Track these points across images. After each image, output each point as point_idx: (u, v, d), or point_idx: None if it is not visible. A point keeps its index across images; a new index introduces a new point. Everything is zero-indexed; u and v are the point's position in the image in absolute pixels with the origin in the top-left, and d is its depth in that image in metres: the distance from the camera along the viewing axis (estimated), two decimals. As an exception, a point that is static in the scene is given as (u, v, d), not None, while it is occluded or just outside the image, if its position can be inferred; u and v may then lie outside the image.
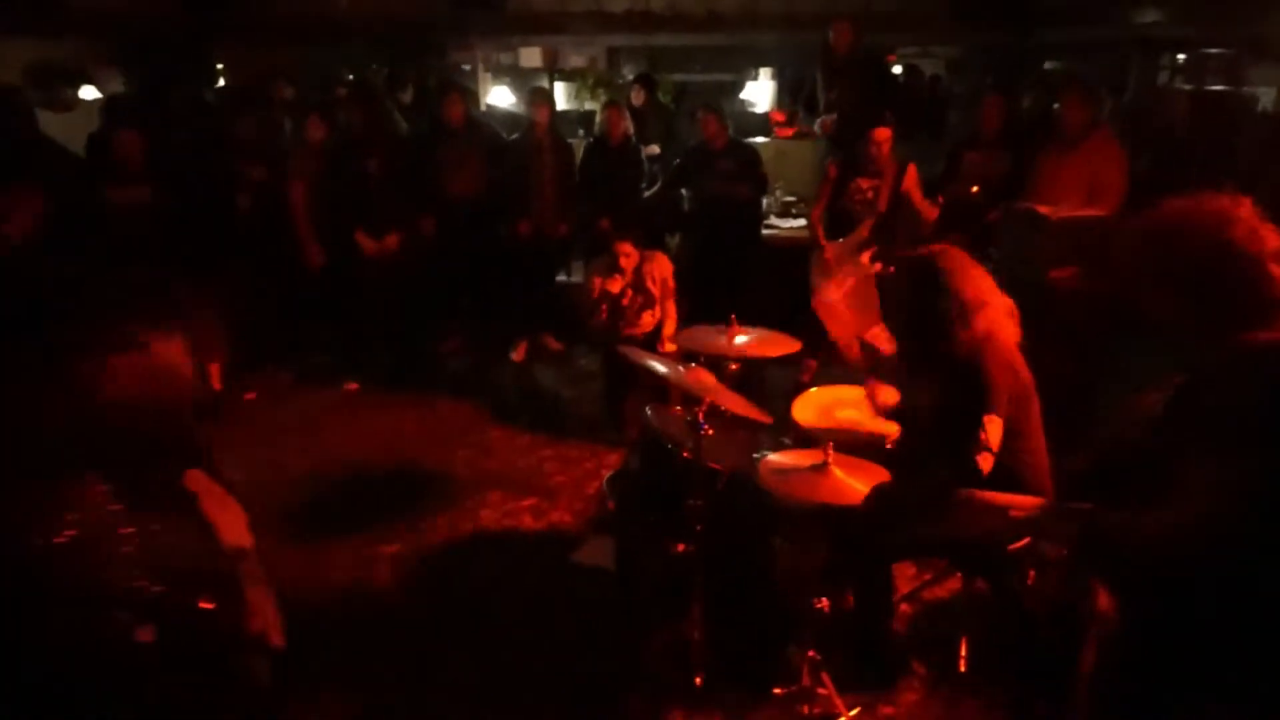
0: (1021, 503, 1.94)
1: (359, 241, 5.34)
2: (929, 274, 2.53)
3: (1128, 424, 1.73)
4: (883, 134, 4.68)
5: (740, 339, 3.25)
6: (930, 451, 2.64)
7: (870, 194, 4.67)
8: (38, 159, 4.89)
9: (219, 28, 8.24)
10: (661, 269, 4.55)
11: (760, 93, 8.75)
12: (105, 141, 5.09)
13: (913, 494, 2.49)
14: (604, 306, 4.43)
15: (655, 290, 4.53)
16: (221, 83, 8.48)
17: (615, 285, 4.37)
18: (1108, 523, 1.65)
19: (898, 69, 8.94)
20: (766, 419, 2.85)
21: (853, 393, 3.38)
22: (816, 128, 6.60)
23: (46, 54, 7.43)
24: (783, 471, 2.60)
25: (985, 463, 2.36)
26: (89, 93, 7.45)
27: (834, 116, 6.22)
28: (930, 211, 4.60)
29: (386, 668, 3.06)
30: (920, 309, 2.54)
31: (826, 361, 4.92)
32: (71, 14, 7.45)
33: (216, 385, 4.50)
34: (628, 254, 4.35)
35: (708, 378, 2.77)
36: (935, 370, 2.64)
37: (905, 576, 3.33)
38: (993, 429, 2.36)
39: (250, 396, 5.23)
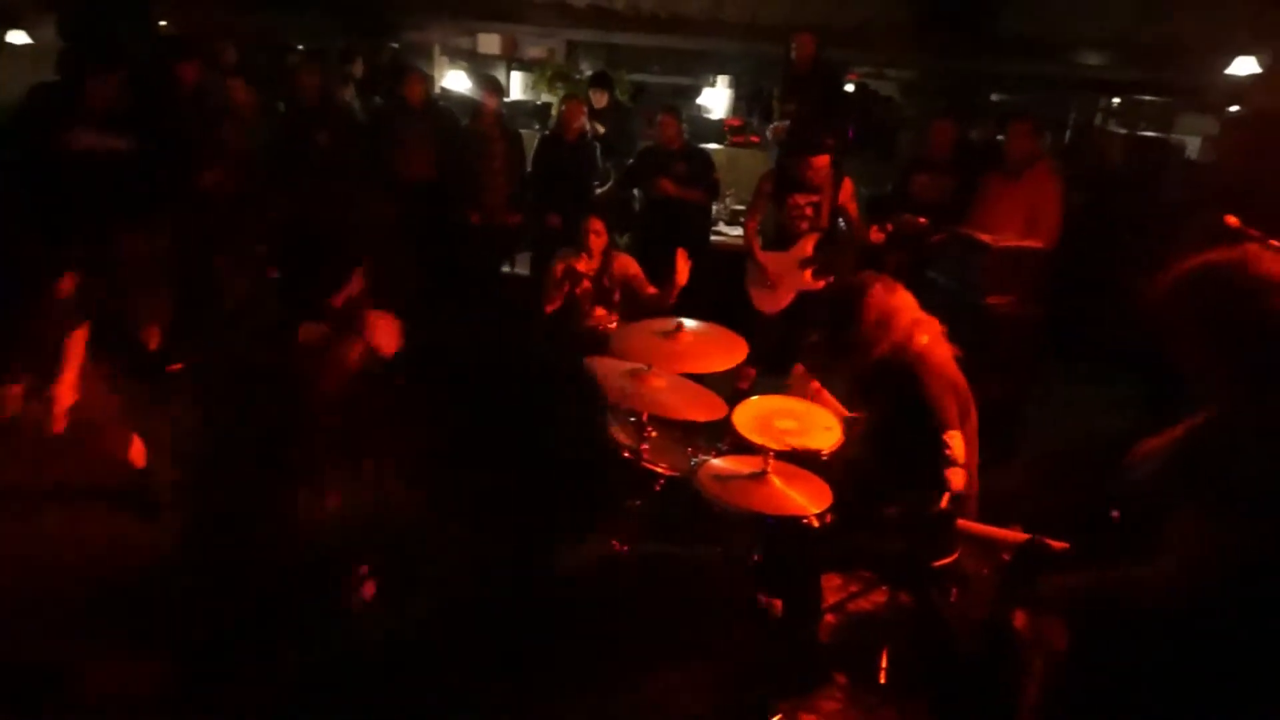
0: (1010, 539, 1.99)
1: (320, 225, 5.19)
2: (847, 298, 2.68)
3: (1125, 469, 1.73)
4: (820, 161, 4.64)
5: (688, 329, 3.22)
6: (877, 469, 2.68)
7: (809, 210, 4.71)
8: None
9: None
10: (624, 266, 4.54)
11: (717, 99, 8.79)
12: (70, 87, 4.71)
13: (897, 515, 2.54)
14: (566, 286, 4.37)
15: (610, 285, 4.51)
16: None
17: (584, 265, 4.32)
18: (1079, 579, 1.68)
19: (850, 87, 9.09)
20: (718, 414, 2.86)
21: (792, 403, 3.42)
22: (768, 133, 6.67)
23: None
24: (722, 478, 2.62)
25: (956, 478, 2.41)
26: (17, 37, 7.11)
27: (787, 123, 6.28)
28: (875, 234, 4.65)
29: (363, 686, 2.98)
30: (841, 331, 2.68)
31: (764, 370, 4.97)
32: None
33: (152, 346, 4.32)
34: (598, 232, 4.33)
35: (659, 382, 2.76)
36: (872, 388, 2.70)
37: (831, 587, 3.38)
38: (955, 443, 2.42)
39: (176, 368, 5.05)
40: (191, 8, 8.22)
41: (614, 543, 2.94)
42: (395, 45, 8.16)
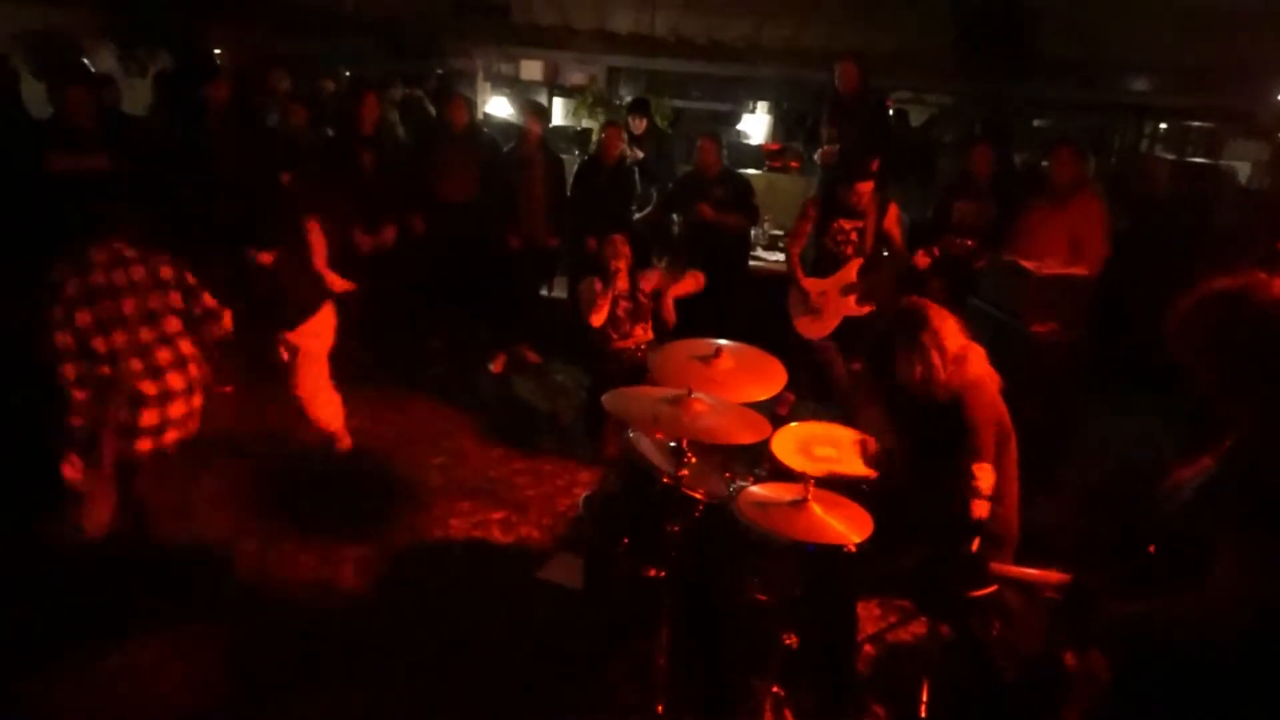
0: (1049, 580, 1.97)
1: (355, 240, 5.29)
2: (913, 322, 2.67)
3: (1158, 500, 1.73)
4: (865, 187, 4.70)
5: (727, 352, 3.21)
6: (911, 495, 2.67)
7: (854, 235, 4.71)
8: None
9: (219, 9, 8.21)
10: (650, 282, 4.57)
11: (756, 125, 8.84)
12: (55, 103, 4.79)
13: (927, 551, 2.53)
14: (611, 296, 4.44)
15: (646, 302, 4.54)
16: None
17: (622, 282, 4.38)
18: (1125, 611, 1.66)
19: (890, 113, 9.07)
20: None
21: (832, 430, 3.40)
22: (816, 158, 6.63)
23: (40, 22, 7.36)
24: (762, 505, 2.60)
25: (981, 509, 2.40)
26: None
27: (836, 148, 6.26)
28: (921, 259, 4.64)
29: (343, 671, 3.02)
30: (903, 354, 2.67)
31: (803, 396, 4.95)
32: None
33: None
34: (621, 252, 4.42)
35: (700, 406, 2.76)
36: (916, 414, 2.69)
37: (871, 617, 3.34)
38: (983, 476, 2.41)
39: (228, 390, 5.13)
40: (245, 34, 8.48)
41: (650, 569, 2.93)
42: (440, 71, 8.31)
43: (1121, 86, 8.01)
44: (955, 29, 7.52)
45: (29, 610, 3.16)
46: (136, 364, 3.17)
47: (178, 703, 2.83)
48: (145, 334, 3.21)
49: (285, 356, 4.16)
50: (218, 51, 8.54)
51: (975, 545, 2.43)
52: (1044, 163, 5.70)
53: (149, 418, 3.19)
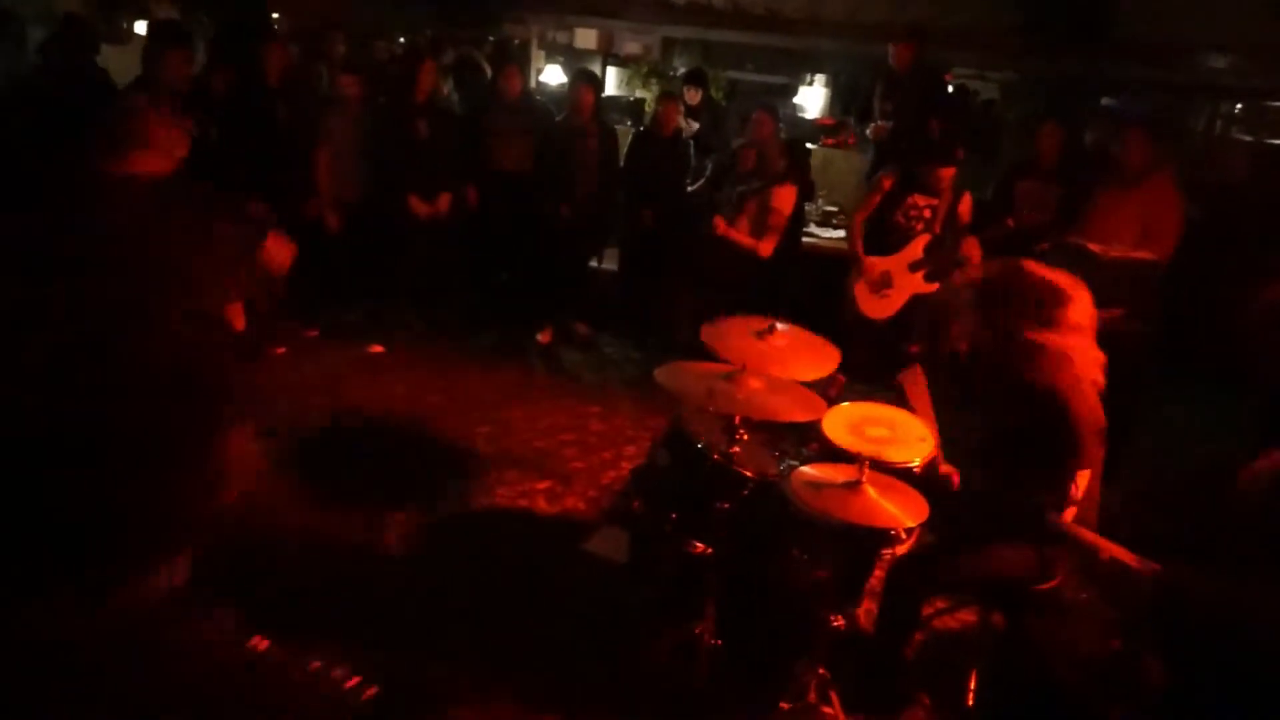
0: (1112, 549, 1.90)
1: (411, 205, 5.30)
2: (1019, 281, 2.40)
3: (1237, 494, 1.66)
4: (947, 172, 4.56)
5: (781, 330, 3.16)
6: (980, 488, 2.57)
7: (928, 212, 4.58)
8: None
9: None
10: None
11: (812, 99, 8.67)
12: (149, 64, 4.82)
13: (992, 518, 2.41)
14: None
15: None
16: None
17: None
18: (1202, 592, 1.60)
19: (949, 89, 8.83)
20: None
21: (885, 411, 3.33)
22: (868, 133, 6.50)
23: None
24: (815, 485, 2.55)
25: (1070, 514, 2.30)
26: (144, 28, 7.47)
27: (889, 124, 6.13)
28: (974, 251, 4.49)
29: (385, 635, 3.04)
30: (1004, 321, 2.39)
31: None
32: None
33: (239, 325, 4.46)
34: None
35: (755, 383, 2.71)
36: (1001, 402, 2.55)
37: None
38: (1082, 482, 2.30)
39: (280, 351, 5.20)
40: (305, 4, 8.52)
41: (696, 546, 2.91)
42: (494, 39, 8.28)
43: (1196, 65, 7.69)
44: (1025, 7, 7.27)
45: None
46: None
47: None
48: None
49: None
50: (275, 16, 8.61)
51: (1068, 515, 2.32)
52: (1114, 144, 5.50)
53: None
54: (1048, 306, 2.36)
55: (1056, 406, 2.36)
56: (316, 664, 1.24)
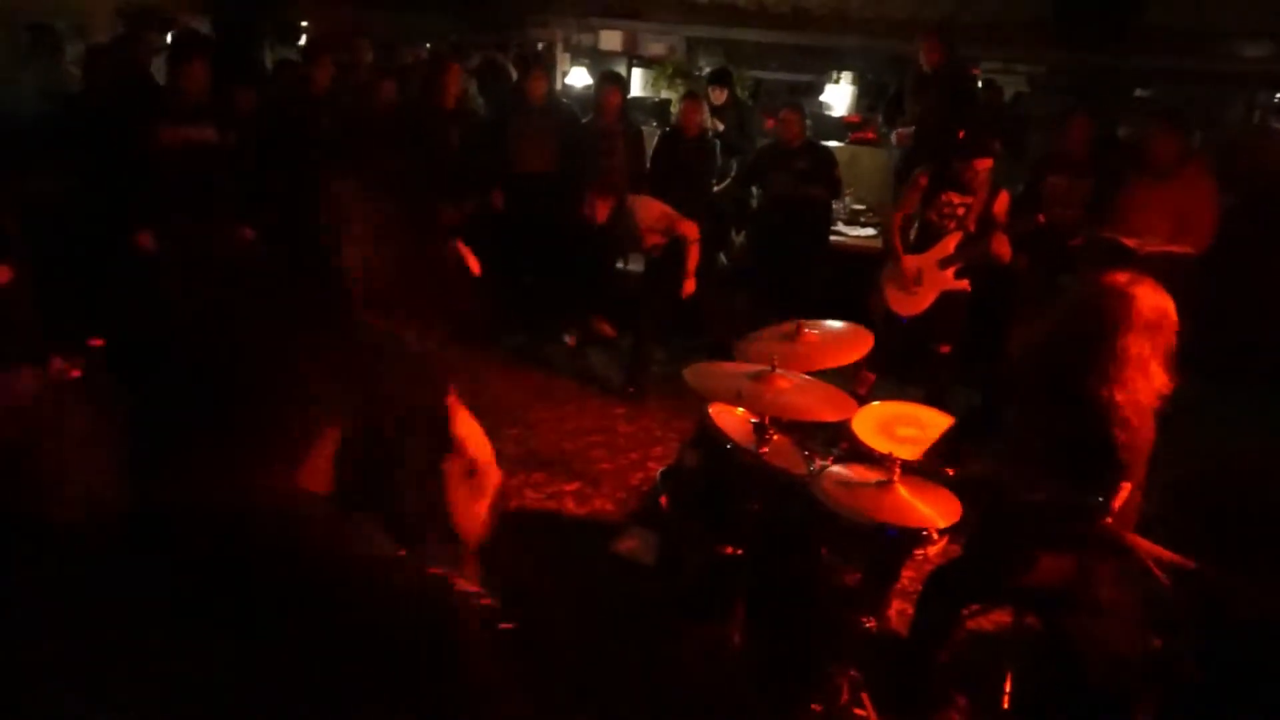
0: (1163, 555, 1.86)
1: (441, 215, 5.33)
2: (1123, 308, 2.31)
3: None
4: (984, 164, 4.46)
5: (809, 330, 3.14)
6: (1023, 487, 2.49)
7: (961, 209, 4.52)
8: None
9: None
10: None
11: (839, 96, 8.61)
12: (170, 75, 4.89)
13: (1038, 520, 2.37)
14: None
15: None
16: (303, 40, 8.58)
17: None
18: (1246, 596, 1.57)
19: (979, 84, 8.74)
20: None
21: (916, 410, 3.30)
22: (892, 139, 6.47)
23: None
24: (846, 484, 2.54)
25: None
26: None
27: (911, 130, 6.08)
28: (1003, 249, 4.41)
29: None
30: (1090, 339, 2.33)
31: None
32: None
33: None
34: None
35: (784, 383, 2.70)
36: (1061, 407, 2.49)
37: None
38: (1124, 495, 2.26)
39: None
40: (329, 8, 8.62)
41: (726, 548, 2.90)
42: (519, 43, 8.31)
43: (1231, 54, 7.54)
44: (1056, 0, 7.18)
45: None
46: None
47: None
48: None
49: None
50: (304, 24, 8.72)
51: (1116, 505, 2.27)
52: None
53: None
54: (1154, 331, 2.31)
55: (1115, 425, 2.29)
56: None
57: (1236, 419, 4.93)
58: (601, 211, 5.15)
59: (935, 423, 3.16)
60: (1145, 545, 1.99)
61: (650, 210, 5.09)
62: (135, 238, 4.53)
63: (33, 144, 4.73)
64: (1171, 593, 1.81)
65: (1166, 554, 1.92)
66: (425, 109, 5.50)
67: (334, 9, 8.62)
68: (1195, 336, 4.43)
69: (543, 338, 5.93)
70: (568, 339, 5.93)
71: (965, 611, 3.22)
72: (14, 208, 4.17)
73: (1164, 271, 4.17)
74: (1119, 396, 2.28)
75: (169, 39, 7.41)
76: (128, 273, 4.80)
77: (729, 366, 2.89)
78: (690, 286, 5.08)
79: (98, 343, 4.78)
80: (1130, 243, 4.29)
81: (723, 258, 6.44)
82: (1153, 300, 2.34)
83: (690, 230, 5.05)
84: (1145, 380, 2.31)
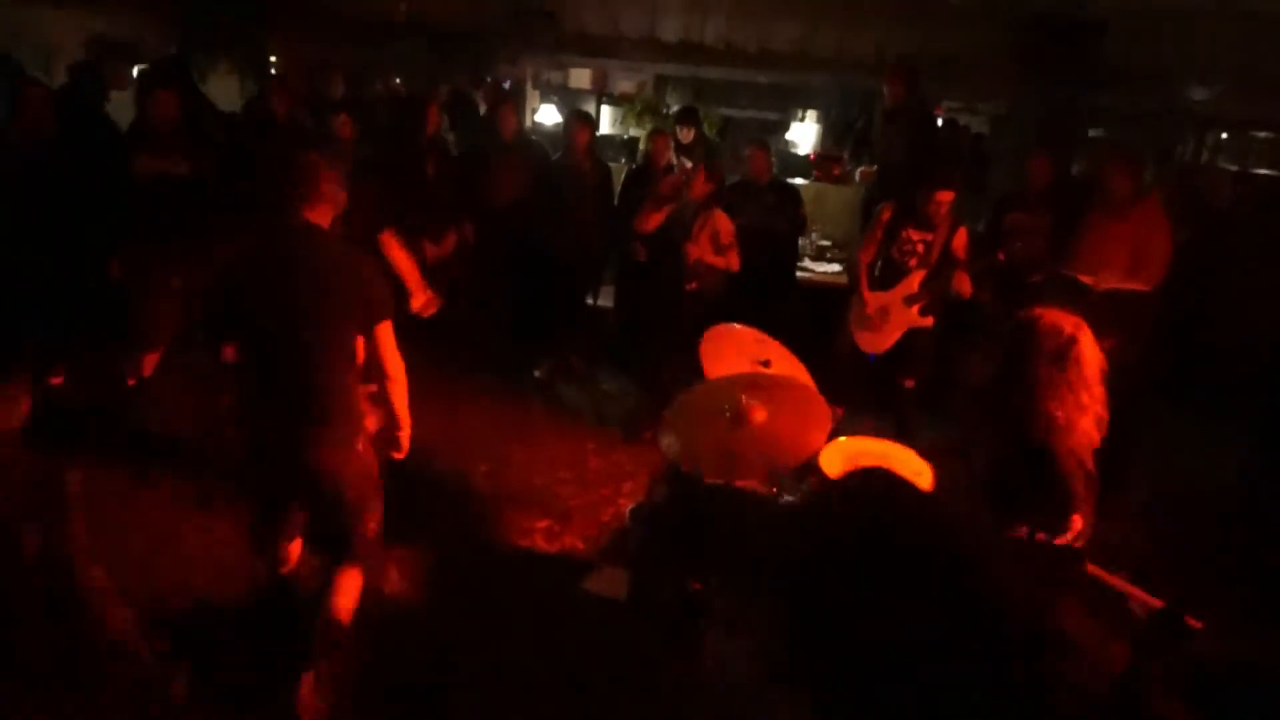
0: (1140, 596, 1.88)
1: (424, 248, 5.33)
2: (1063, 346, 2.34)
3: None
4: (945, 196, 4.51)
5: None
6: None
7: (920, 247, 4.60)
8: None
9: (275, 14, 8.36)
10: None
11: (804, 134, 8.77)
12: (139, 107, 4.98)
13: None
14: None
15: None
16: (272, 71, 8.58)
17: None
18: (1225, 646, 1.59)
19: (939, 122, 8.94)
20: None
21: (884, 446, 3.34)
22: (857, 176, 6.59)
23: (105, 28, 7.54)
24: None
25: None
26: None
27: (875, 169, 6.21)
28: (963, 285, 4.49)
29: (384, 672, 3.03)
30: (1025, 372, 2.36)
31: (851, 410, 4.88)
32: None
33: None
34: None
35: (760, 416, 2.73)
36: (1000, 440, 2.54)
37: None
38: (1077, 526, 2.30)
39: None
40: (299, 42, 8.63)
41: (695, 584, 2.91)
42: (489, 79, 8.38)
43: (1183, 95, 7.80)
44: (1014, 36, 7.38)
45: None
46: None
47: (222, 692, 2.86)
48: None
49: None
50: (273, 59, 8.73)
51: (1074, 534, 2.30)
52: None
53: None
54: (1063, 364, 2.36)
55: (1050, 463, 2.31)
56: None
57: (1194, 444, 5.05)
58: (654, 222, 5.29)
59: (902, 458, 3.20)
60: (1115, 582, 2.02)
61: (726, 223, 5.16)
62: (106, 266, 4.51)
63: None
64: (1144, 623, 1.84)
65: (1135, 591, 1.95)
66: (404, 142, 5.51)
67: (304, 42, 8.64)
68: (1154, 366, 4.57)
69: (514, 372, 5.92)
70: (538, 373, 5.92)
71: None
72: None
73: (1120, 307, 4.33)
74: (1056, 422, 2.31)
75: (135, 72, 7.40)
76: (94, 301, 4.76)
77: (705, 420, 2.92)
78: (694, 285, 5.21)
79: (57, 381, 4.72)
80: (1086, 279, 4.39)
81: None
82: (1053, 329, 2.37)
83: (733, 264, 5.16)
84: (1078, 410, 2.34)
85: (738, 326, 3.56)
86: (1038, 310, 2.46)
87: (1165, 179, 7.70)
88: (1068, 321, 2.39)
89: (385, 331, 2.76)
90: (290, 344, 2.66)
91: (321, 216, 2.76)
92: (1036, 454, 2.33)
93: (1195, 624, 1.70)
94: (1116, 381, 4.26)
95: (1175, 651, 1.67)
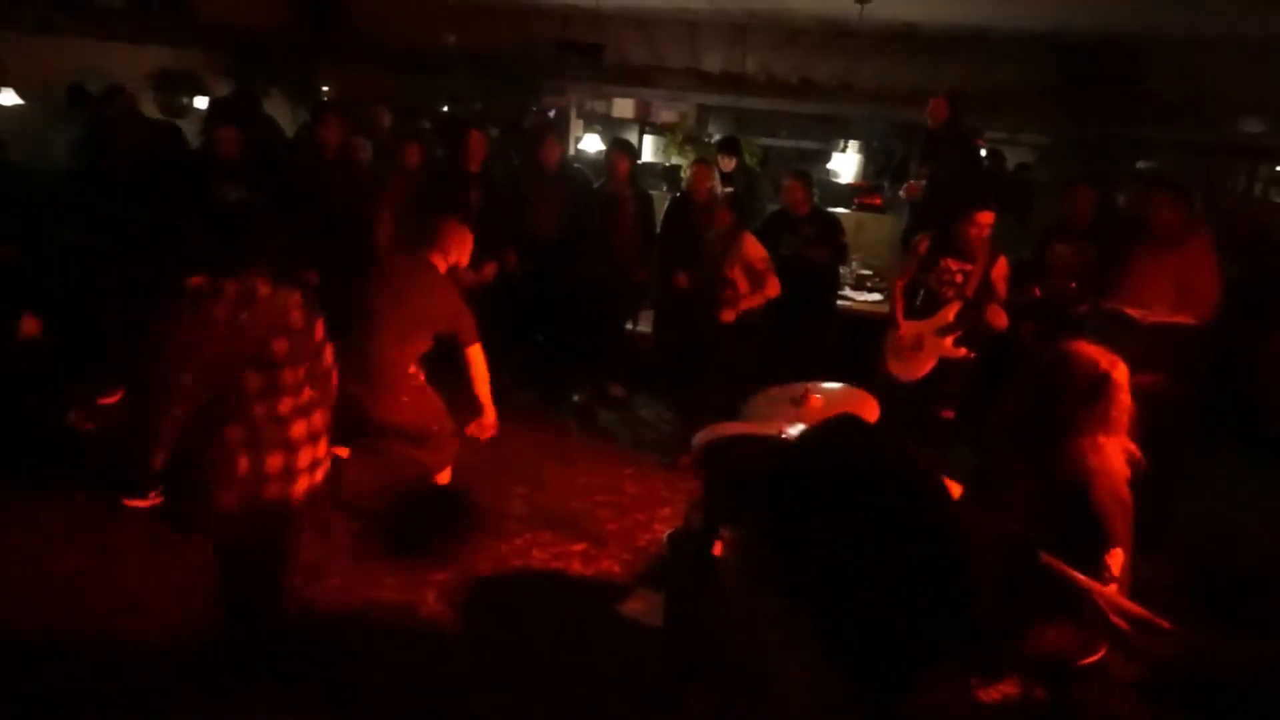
0: (1105, 592, 1.87)
1: (461, 277, 5.43)
2: (1097, 381, 2.33)
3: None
4: (986, 218, 4.47)
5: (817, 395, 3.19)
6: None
7: (959, 277, 4.58)
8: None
9: (327, 48, 8.63)
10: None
11: (846, 164, 8.78)
12: (205, 138, 5.26)
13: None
14: None
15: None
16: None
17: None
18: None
19: (983, 152, 8.90)
20: None
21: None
22: (902, 193, 6.55)
23: (170, 62, 7.85)
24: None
25: (1110, 590, 2.26)
26: (202, 102, 7.82)
27: (922, 182, 6.17)
28: (999, 319, 4.42)
29: (423, 694, 3.06)
30: (1059, 408, 2.35)
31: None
32: (195, 26, 7.89)
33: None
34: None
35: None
36: (1033, 476, 2.52)
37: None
38: (1114, 562, 2.26)
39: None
40: (349, 72, 8.88)
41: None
42: (535, 108, 8.54)
43: (1232, 128, 7.70)
44: (1059, 71, 7.35)
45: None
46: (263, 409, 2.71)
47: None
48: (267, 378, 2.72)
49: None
50: (325, 89, 8.98)
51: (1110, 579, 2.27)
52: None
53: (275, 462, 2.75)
54: (1095, 401, 2.34)
55: (1085, 501, 2.30)
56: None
57: (1240, 485, 4.93)
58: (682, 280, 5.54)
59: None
60: (1089, 581, 1.99)
61: (756, 250, 5.20)
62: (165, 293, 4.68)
63: (60, 197, 4.90)
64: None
65: (1142, 611, 1.92)
66: (449, 171, 5.65)
67: (354, 73, 8.90)
68: (1201, 403, 4.48)
69: (553, 396, 5.98)
70: (577, 398, 5.98)
71: (972, 681, 3.20)
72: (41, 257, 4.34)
73: (1166, 341, 4.26)
74: (1089, 462, 2.30)
75: (193, 103, 7.67)
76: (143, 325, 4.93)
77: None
78: (730, 316, 5.22)
79: (110, 400, 4.89)
80: (1133, 312, 4.33)
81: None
82: (1087, 364, 2.35)
83: (773, 289, 5.19)
84: (1108, 447, 2.32)
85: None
86: (1072, 344, 2.44)
87: (1215, 213, 7.58)
88: (1103, 357, 2.37)
89: (474, 350, 4.01)
90: (366, 333, 3.75)
91: (439, 260, 3.97)
92: (1068, 491, 2.31)
93: (1166, 625, 1.68)
94: (1159, 417, 4.22)
95: (1148, 652, 1.64)
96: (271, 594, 2.94)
